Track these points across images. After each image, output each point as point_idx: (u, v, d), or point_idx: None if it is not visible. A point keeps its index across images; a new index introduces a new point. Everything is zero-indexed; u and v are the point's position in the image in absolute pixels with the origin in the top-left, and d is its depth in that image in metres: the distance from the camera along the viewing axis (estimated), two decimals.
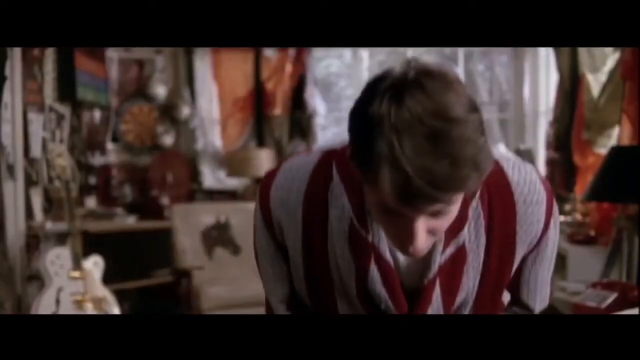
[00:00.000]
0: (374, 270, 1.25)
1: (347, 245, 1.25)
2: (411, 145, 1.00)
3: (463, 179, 1.02)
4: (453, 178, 1.01)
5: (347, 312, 1.33)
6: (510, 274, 1.32)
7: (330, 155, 1.30)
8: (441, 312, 1.31)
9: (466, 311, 1.34)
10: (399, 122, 1.01)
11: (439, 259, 1.24)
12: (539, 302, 1.42)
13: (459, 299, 1.30)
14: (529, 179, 1.28)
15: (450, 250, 1.25)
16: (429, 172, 1.00)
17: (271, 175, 1.33)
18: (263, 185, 1.33)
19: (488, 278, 1.30)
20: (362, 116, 1.06)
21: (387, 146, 1.01)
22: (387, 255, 1.25)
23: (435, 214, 1.09)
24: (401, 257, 1.26)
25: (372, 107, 1.04)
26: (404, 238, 1.11)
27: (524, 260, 1.33)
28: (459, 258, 1.26)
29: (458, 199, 1.10)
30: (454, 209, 1.12)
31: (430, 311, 1.29)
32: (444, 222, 1.13)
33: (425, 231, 1.10)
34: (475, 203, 1.25)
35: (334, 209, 1.26)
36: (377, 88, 1.06)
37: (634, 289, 2.80)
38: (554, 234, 1.35)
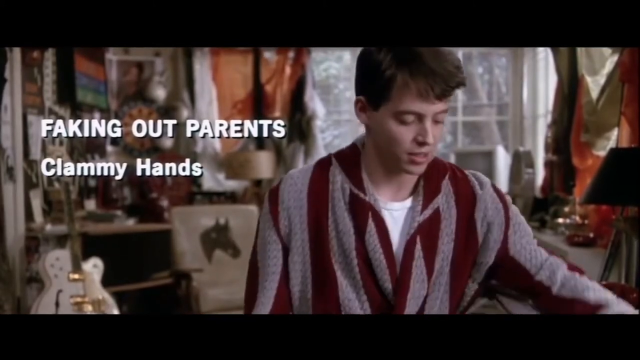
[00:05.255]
0: (371, 225, 1.55)
1: (347, 211, 1.56)
2: (426, 53, 1.45)
3: (458, 72, 1.48)
4: (452, 72, 1.46)
5: (343, 281, 1.57)
6: (476, 250, 1.61)
7: (325, 157, 1.65)
8: (424, 270, 1.57)
9: (445, 277, 1.59)
10: (412, 50, 1.46)
11: (418, 218, 1.57)
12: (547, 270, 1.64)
13: (437, 261, 1.58)
14: (485, 184, 1.65)
15: (428, 212, 1.58)
16: (441, 66, 1.45)
17: (275, 186, 1.62)
18: (271, 193, 1.61)
19: (458, 248, 1.59)
20: (375, 53, 1.49)
21: (410, 56, 1.45)
22: (382, 212, 1.57)
23: (437, 120, 1.49)
24: (389, 217, 1.58)
25: (381, 50, 1.49)
26: (420, 135, 1.48)
27: (506, 253, 1.62)
28: (435, 220, 1.58)
29: (444, 117, 1.51)
30: (441, 128, 1.52)
31: (414, 266, 1.56)
32: (438, 133, 1.51)
33: (432, 130, 1.48)
34: (446, 182, 1.61)
35: (333, 186, 1.58)
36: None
37: (633, 291, 2.80)
38: (516, 219, 1.67)
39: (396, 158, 1.52)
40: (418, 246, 1.56)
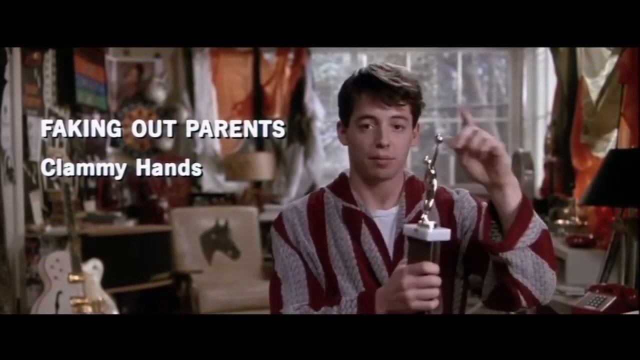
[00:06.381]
0: (365, 228, 1.74)
1: (342, 222, 1.76)
2: (379, 70, 1.70)
3: (403, 82, 1.69)
4: (397, 81, 1.69)
5: (344, 284, 1.71)
6: (457, 243, 1.76)
7: (317, 190, 1.87)
8: None
9: None
10: (369, 70, 1.72)
11: (404, 220, 1.74)
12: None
13: None
14: (461, 192, 1.83)
15: (411, 215, 1.75)
16: (388, 77, 1.69)
17: (277, 217, 1.83)
18: (275, 221, 1.82)
19: (442, 243, 1.63)
20: (346, 82, 1.77)
21: (367, 74, 1.71)
22: (374, 218, 1.75)
23: (395, 126, 1.70)
24: (379, 222, 1.75)
25: (351, 77, 1.77)
26: (377, 139, 1.68)
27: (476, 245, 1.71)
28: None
29: (407, 124, 1.72)
30: (406, 135, 1.72)
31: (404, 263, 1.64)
32: (400, 140, 1.71)
33: (389, 134, 1.69)
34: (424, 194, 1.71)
35: (327, 206, 1.79)
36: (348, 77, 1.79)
37: (633, 292, 2.80)
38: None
39: (362, 164, 1.73)
40: (406, 242, 1.66)
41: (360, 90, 1.72)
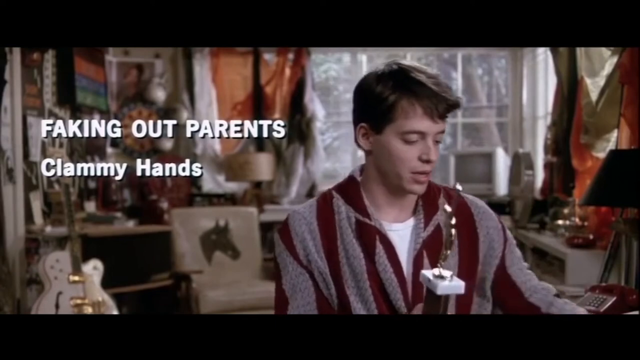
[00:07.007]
0: (379, 247, 1.63)
1: (355, 238, 1.64)
2: (425, 79, 1.58)
3: (453, 93, 1.60)
4: (449, 93, 1.59)
5: (357, 305, 1.62)
6: (477, 264, 1.70)
7: (325, 191, 1.75)
8: None
9: None
10: (411, 77, 1.59)
11: (422, 234, 1.66)
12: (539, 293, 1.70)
13: None
14: (480, 204, 1.76)
15: (430, 228, 1.67)
16: (441, 89, 1.58)
17: (283, 224, 1.70)
18: (281, 231, 1.70)
19: (462, 261, 1.67)
20: (375, 83, 1.62)
21: (413, 82, 1.57)
22: (389, 235, 1.65)
23: (436, 140, 1.61)
24: (395, 237, 1.66)
25: (381, 76, 1.63)
26: (424, 153, 1.59)
27: (503, 270, 1.70)
28: (437, 235, 1.65)
29: (442, 138, 1.63)
30: (439, 149, 1.63)
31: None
32: (438, 155, 1.61)
33: (433, 149, 1.59)
34: (442, 200, 1.69)
35: (339, 216, 1.67)
36: (372, 75, 1.66)
37: (633, 293, 2.80)
38: (511, 240, 1.77)
39: (399, 178, 1.62)
40: (425, 260, 1.63)
41: (417, 98, 1.58)
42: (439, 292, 1.43)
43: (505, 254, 1.71)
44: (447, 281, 1.43)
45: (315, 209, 1.70)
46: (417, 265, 1.63)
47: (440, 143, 1.63)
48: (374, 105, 1.61)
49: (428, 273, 1.48)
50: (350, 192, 1.70)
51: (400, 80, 1.59)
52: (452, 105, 1.59)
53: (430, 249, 1.64)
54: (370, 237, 1.64)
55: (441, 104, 1.57)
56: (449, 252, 1.45)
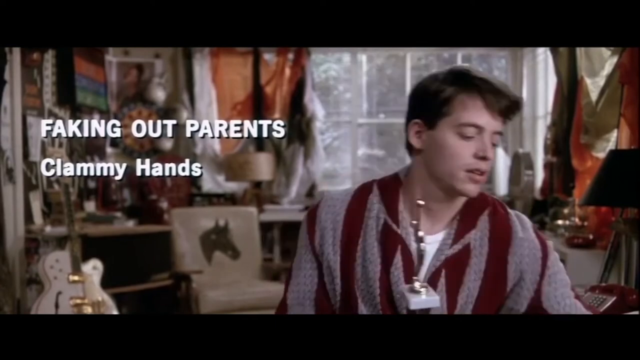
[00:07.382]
0: (398, 258, 1.55)
1: (377, 241, 1.57)
2: (487, 76, 1.55)
3: (515, 94, 1.55)
4: (512, 92, 1.54)
5: (364, 308, 1.57)
6: (504, 293, 1.59)
7: (368, 182, 1.66)
8: (445, 304, 1.54)
9: (468, 314, 1.55)
10: (471, 74, 1.55)
11: (447, 252, 1.57)
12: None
13: (461, 297, 1.56)
14: (527, 227, 1.63)
15: (457, 246, 1.57)
16: (504, 87, 1.55)
17: (314, 206, 1.65)
18: (309, 212, 1.64)
19: (485, 287, 1.57)
20: (432, 79, 1.56)
21: (474, 77, 1.53)
22: (412, 246, 1.56)
23: (493, 141, 1.53)
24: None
25: (439, 74, 1.57)
26: (480, 150, 1.51)
27: (538, 304, 1.59)
28: (463, 255, 1.57)
29: (498, 140, 1.54)
30: (496, 152, 1.55)
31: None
32: (492, 155, 1.52)
33: (490, 147, 1.52)
34: (484, 217, 1.59)
35: (369, 214, 1.60)
36: (430, 75, 1.59)
37: (633, 292, 2.79)
38: (553, 269, 1.65)
39: (452, 177, 1.53)
40: (442, 280, 1.56)
41: (479, 91, 1.52)
42: (412, 307, 1.41)
43: (541, 289, 1.59)
44: (423, 296, 1.41)
45: (348, 200, 1.63)
46: (432, 283, 1.55)
47: (496, 146, 1.55)
48: (430, 99, 1.54)
49: (405, 287, 1.45)
50: (389, 191, 1.62)
51: (461, 77, 1.54)
52: (514, 103, 1.54)
53: (451, 269, 1.57)
54: (393, 245, 1.57)
55: (503, 100, 1.52)
56: (421, 266, 1.44)
